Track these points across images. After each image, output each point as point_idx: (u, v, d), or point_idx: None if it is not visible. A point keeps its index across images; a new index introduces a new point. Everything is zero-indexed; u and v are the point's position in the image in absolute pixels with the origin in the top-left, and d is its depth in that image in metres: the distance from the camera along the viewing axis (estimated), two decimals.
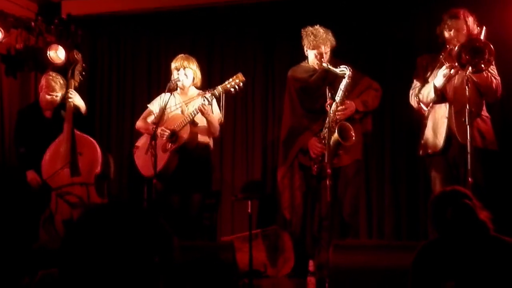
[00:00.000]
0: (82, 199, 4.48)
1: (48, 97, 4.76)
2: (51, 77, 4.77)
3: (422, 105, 4.15)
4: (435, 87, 4.02)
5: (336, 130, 4.20)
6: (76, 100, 4.71)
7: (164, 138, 4.43)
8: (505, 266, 2.28)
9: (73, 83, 4.76)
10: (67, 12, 5.51)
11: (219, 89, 4.39)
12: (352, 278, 3.47)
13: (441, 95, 4.03)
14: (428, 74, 4.13)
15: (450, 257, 2.32)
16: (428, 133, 4.15)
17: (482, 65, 3.81)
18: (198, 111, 4.35)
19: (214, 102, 4.48)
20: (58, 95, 4.77)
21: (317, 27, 4.39)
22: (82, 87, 5.45)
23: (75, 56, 4.86)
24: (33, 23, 5.43)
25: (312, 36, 4.36)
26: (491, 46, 3.79)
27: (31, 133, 4.79)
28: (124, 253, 1.24)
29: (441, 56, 4.04)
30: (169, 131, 4.44)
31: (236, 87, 4.40)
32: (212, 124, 4.48)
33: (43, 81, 4.81)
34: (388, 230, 5.10)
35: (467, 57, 3.80)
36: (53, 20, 5.45)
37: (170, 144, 4.45)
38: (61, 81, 4.77)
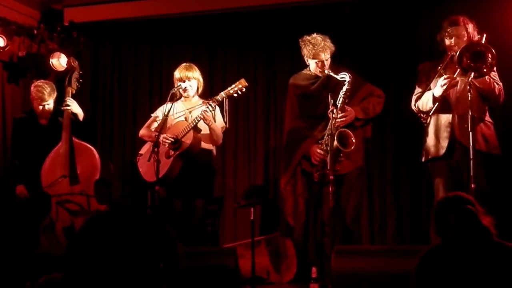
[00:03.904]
0: (82, 207, 4.47)
1: (40, 107, 4.75)
2: (37, 88, 4.72)
3: (420, 113, 4.12)
4: (433, 96, 4.00)
5: (335, 137, 4.20)
6: (74, 107, 4.70)
7: (167, 145, 4.43)
8: (508, 272, 2.27)
9: (70, 91, 4.74)
10: (69, 19, 5.53)
11: (222, 95, 4.39)
12: (355, 284, 3.46)
13: (440, 104, 4.00)
14: (430, 81, 4.11)
15: (453, 263, 2.31)
16: (430, 138, 4.14)
17: (485, 69, 3.81)
18: (201, 117, 4.35)
19: (217, 110, 4.49)
20: (50, 102, 4.75)
21: (314, 35, 4.35)
22: (84, 94, 5.48)
23: (72, 63, 4.86)
24: (35, 31, 5.45)
25: (310, 46, 4.34)
26: (493, 50, 3.79)
27: (27, 141, 4.78)
28: (129, 259, 1.25)
29: (439, 67, 4.01)
30: (171, 138, 4.44)
31: (239, 92, 4.40)
32: (214, 132, 4.47)
33: (32, 92, 4.77)
34: (391, 235, 5.09)
35: (469, 61, 3.79)
36: (56, 27, 5.48)
37: (173, 151, 4.45)
38: (48, 89, 4.72)
